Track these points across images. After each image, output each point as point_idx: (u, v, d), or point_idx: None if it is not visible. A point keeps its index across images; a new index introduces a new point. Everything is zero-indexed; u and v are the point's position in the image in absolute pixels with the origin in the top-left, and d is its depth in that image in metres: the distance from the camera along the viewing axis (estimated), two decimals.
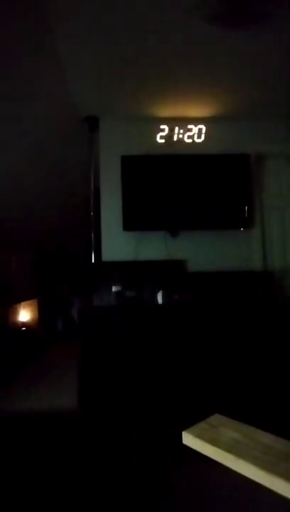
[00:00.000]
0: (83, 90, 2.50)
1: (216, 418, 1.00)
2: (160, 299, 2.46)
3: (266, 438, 0.86)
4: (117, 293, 2.47)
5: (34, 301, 5.10)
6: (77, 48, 2.03)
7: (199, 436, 0.90)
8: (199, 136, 2.91)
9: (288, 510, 0.70)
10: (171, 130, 2.89)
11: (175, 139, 2.90)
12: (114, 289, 2.47)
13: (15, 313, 4.69)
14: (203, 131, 2.90)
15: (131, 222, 2.75)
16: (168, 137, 2.90)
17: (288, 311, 2.33)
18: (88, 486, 1.83)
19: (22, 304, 4.79)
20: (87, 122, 2.88)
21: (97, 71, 2.27)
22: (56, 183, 3.80)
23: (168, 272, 2.75)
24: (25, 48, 1.97)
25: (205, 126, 2.90)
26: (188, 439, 0.91)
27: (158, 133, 2.89)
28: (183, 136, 2.90)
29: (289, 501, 0.69)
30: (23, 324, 4.77)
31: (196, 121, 2.89)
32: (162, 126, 2.88)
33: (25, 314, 4.88)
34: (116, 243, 2.81)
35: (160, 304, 2.45)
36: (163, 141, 2.90)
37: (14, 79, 2.14)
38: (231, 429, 0.91)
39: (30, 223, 4.14)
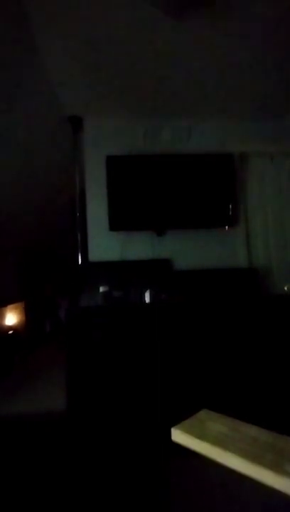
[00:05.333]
0: (66, 90, 2.49)
1: (204, 413, 1.02)
2: (147, 299, 2.47)
3: (252, 430, 0.88)
4: (104, 293, 2.46)
5: (21, 304, 5.04)
6: (59, 47, 2.02)
7: (187, 431, 0.91)
8: (183, 136, 2.94)
9: (274, 499, 0.73)
10: (156, 130, 2.91)
11: (159, 138, 2.92)
12: (101, 289, 2.47)
13: (1, 316, 4.62)
14: (188, 131, 2.93)
15: (117, 222, 2.76)
16: (153, 137, 2.92)
17: (274, 307, 2.38)
18: (77, 485, 1.83)
19: (8, 307, 4.72)
20: (71, 122, 2.87)
21: (80, 70, 2.26)
22: (41, 183, 3.76)
23: (155, 271, 2.77)
24: (6, 47, 1.94)
25: (189, 126, 2.93)
26: (177, 436, 0.92)
27: (142, 133, 2.90)
28: (168, 136, 2.92)
29: (275, 490, 0.72)
30: (10, 328, 4.70)
31: (180, 121, 2.91)
32: (146, 126, 2.90)
33: (11, 317, 4.81)
34: (103, 243, 2.81)
35: (148, 303, 2.45)
36: (147, 140, 2.91)
37: None
38: (218, 423, 0.93)
39: (15, 225, 4.08)
